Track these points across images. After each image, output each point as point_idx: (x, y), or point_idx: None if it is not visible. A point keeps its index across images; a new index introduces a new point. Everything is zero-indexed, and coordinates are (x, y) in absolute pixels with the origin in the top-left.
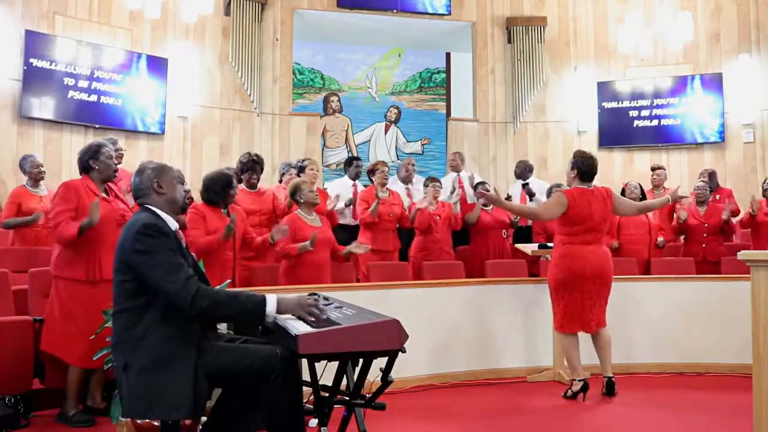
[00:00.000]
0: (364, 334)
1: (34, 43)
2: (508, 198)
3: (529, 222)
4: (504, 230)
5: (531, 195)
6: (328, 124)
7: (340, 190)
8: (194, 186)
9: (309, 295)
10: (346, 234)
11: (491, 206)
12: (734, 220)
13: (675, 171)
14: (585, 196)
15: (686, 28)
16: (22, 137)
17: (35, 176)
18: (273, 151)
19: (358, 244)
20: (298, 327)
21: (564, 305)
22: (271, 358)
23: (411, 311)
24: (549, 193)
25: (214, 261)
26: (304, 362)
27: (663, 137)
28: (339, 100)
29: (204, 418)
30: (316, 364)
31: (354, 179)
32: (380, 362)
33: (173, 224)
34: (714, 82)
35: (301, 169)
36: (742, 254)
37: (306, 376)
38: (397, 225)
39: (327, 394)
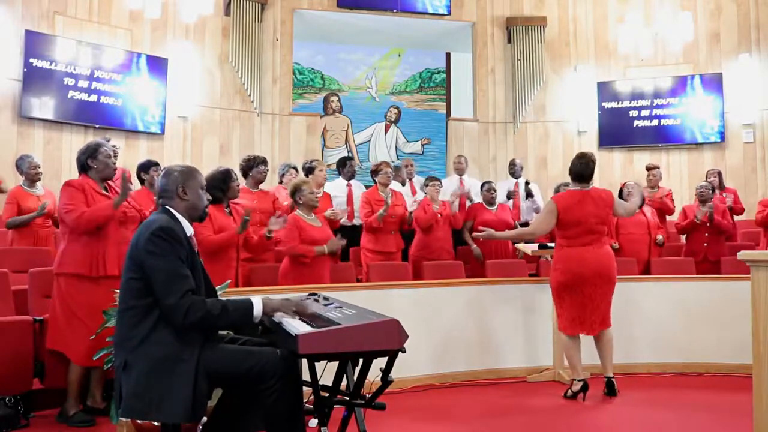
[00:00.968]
0: (364, 334)
1: (34, 43)
2: (511, 196)
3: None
4: (506, 230)
5: (529, 195)
6: (328, 124)
7: (336, 191)
8: None
9: (309, 295)
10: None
11: (495, 206)
12: (737, 218)
13: (675, 171)
14: (576, 197)
15: (686, 28)
16: (22, 137)
17: (32, 177)
18: (273, 151)
19: (333, 240)
20: (298, 327)
21: (567, 308)
22: (272, 359)
23: (411, 311)
24: (557, 190)
25: (218, 260)
26: (304, 362)
27: (663, 137)
28: (339, 100)
29: (204, 419)
30: (316, 364)
31: (348, 180)
32: (380, 362)
33: (189, 229)
34: (714, 82)
35: (310, 170)
36: (742, 254)
37: (306, 376)
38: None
39: (327, 394)
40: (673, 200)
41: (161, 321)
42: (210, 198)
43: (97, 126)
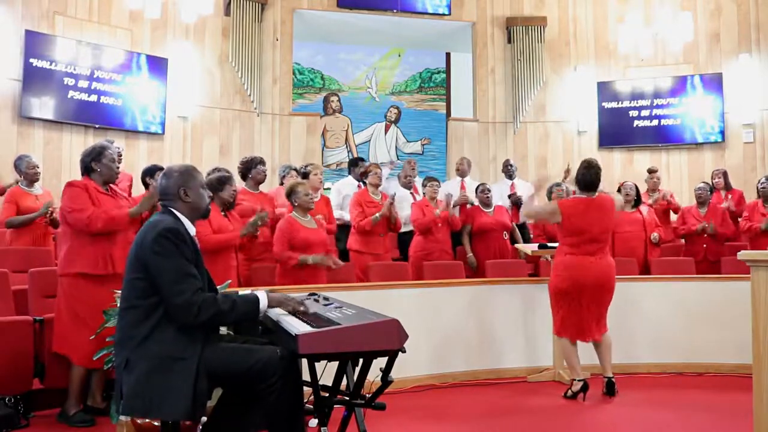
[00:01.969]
0: (364, 334)
1: (34, 43)
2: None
3: (529, 220)
4: (505, 232)
5: (518, 204)
6: (328, 124)
7: (346, 190)
8: None
9: (309, 295)
10: (340, 232)
11: (492, 208)
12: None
13: (675, 171)
14: (581, 206)
15: (686, 28)
16: (22, 137)
17: (31, 177)
18: (273, 152)
19: (330, 257)
20: (298, 327)
21: (563, 314)
22: (272, 359)
23: (411, 311)
24: (549, 191)
25: (218, 260)
26: (304, 362)
27: (663, 137)
28: (339, 100)
29: (204, 419)
30: (316, 364)
31: (359, 180)
32: (380, 362)
33: (192, 229)
34: (714, 82)
35: (305, 175)
36: (742, 254)
37: (306, 376)
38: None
39: (327, 394)
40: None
41: (163, 320)
42: (210, 195)
43: (97, 126)
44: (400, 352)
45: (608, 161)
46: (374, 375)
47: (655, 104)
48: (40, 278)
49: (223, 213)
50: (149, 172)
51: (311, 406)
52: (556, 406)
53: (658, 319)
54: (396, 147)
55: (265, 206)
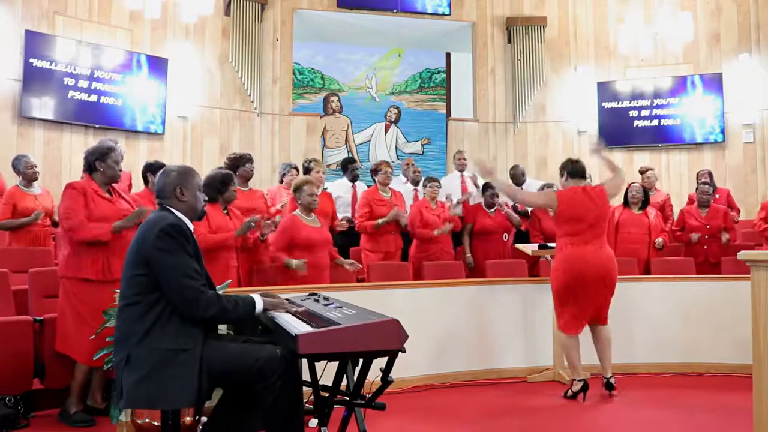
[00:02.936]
0: (364, 334)
1: (34, 43)
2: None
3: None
4: (505, 233)
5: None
6: (328, 124)
7: (339, 191)
8: None
9: (309, 295)
10: (345, 235)
11: (494, 209)
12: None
13: (675, 171)
14: (577, 194)
15: (686, 28)
16: (22, 137)
17: (30, 176)
18: (273, 151)
19: (352, 262)
20: (298, 327)
21: (569, 308)
22: (272, 358)
23: (411, 311)
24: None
25: (218, 260)
26: (304, 362)
27: (663, 137)
28: (339, 100)
29: (204, 419)
30: (316, 364)
31: (352, 182)
32: (380, 362)
33: (190, 227)
34: (714, 82)
35: (307, 171)
36: (742, 254)
37: (306, 376)
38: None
39: (327, 394)
40: (671, 205)
41: (164, 315)
42: (206, 198)
43: (97, 126)
44: (400, 352)
45: None
46: (374, 375)
47: (655, 104)
48: (40, 278)
49: (224, 211)
50: (150, 168)
51: (311, 406)
52: (556, 406)
53: (658, 319)
54: (396, 147)
55: (255, 203)
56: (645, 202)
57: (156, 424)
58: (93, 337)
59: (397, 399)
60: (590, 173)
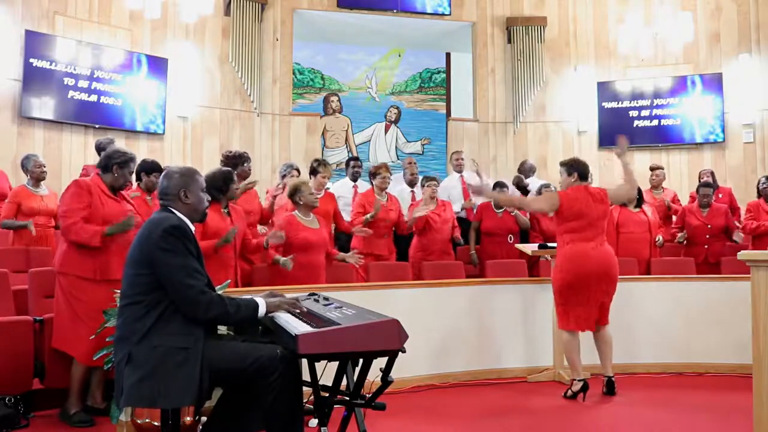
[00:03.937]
0: (364, 334)
1: (34, 43)
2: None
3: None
4: (510, 235)
5: (519, 185)
6: (328, 124)
7: (341, 191)
8: None
9: (309, 295)
10: (347, 235)
11: (501, 210)
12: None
13: (675, 171)
14: (580, 192)
15: (686, 28)
16: (22, 137)
17: (37, 176)
18: (273, 151)
19: (353, 254)
20: (298, 327)
21: (572, 307)
22: (272, 358)
23: (411, 311)
24: (538, 192)
25: (216, 261)
26: (304, 362)
27: (663, 137)
28: (339, 100)
29: (204, 419)
30: (316, 364)
31: (354, 180)
32: (380, 362)
33: (192, 228)
34: (714, 82)
35: (313, 172)
36: (742, 254)
37: (306, 376)
38: (393, 229)
39: (327, 394)
40: (679, 202)
41: (165, 314)
42: (209, 199)
43: (97, 126)
44: (400, 352)
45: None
46: (374, 375)
47: (655, 104)
48: (40, 278)
49: (225, 210)
50: (144, 168)
51: (311, 406)
52: (556, 406)
53: (658, 319)
54: (396, 147)
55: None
56: (639, 201)
57: (156, 424)
58: (93, 337)
59: (397, 399)
60: (591, 173)
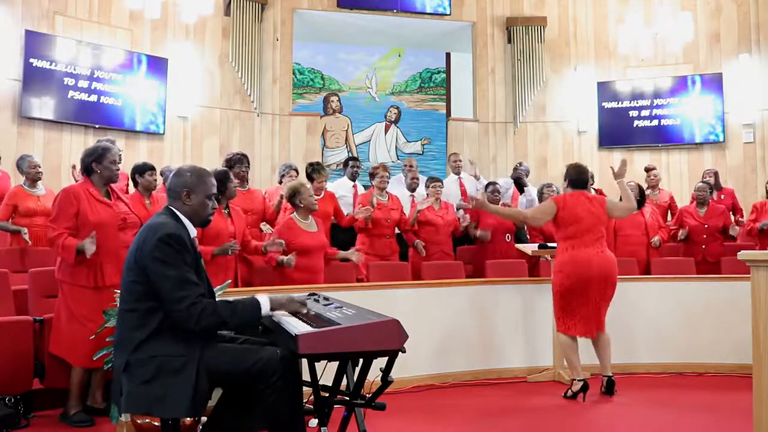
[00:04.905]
0: (364, 334)
1: (34, 43)
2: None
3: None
4: (507, 234)
5: (518, 181)
6: (328, 124)
7: (341, 191)
8: None
9: (309, 295)
10: (346, 235)
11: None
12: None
13: (675, 171)
14: (574, 197)
15: (686, 28)
16: (22, 137)
17: (33, 176)
18: (273, 151)
19: (354, 252)
20: (298, 327)
21: (570, 311)
22: (272, 359)
23: (411, 311)
24: (540, 192)
25: (216, 261)
26: (304, 362)
27: (663, 137)
28: (339, 100)
29: (204, 419)
30: (316, 364)
31: (352, 179)
32: (380, 362)
33: (192, 231)
34: (714, 82)
35: (309, 177)
36: (742, 254)
37: (306, 376)
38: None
39: (327, 394)
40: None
41: (162, 324)
42: (215, 207)
43: (97, 126)
44: (400, 352)
45: (608, 161)
46: (374, 375)
47: (654, 104)
48: (40, 278)
49: (226, 210)
50: (137, 170)
51: (311, 406)
52: (556, 406)
53: (658, 319)
54: (396, 147)
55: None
56: (641, 202)
57: (156, 424)
58: (93, 337)
59: (397, 399)
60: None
